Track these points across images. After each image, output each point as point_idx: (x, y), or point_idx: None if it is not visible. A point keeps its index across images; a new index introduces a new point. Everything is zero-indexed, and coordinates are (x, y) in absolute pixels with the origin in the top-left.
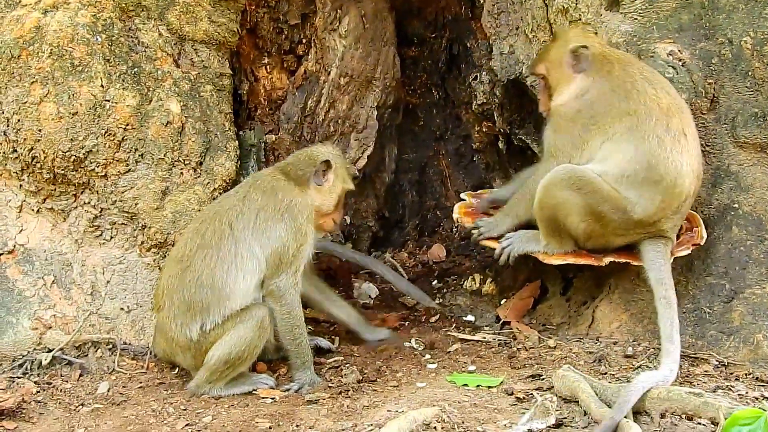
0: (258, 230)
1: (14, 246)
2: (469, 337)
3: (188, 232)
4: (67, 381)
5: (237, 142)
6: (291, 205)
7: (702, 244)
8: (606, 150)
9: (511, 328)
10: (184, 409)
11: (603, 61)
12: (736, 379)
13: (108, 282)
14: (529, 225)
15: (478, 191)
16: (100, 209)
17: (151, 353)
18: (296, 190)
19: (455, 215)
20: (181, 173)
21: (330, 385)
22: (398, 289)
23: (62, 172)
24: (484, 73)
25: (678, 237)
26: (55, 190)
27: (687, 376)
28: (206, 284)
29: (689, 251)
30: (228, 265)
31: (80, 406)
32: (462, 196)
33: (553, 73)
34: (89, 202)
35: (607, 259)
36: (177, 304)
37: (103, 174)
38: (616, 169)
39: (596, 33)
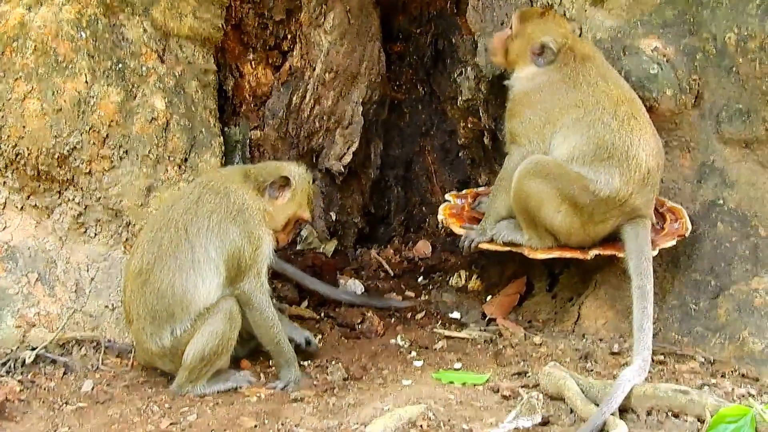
0: (212, 233)
1: None
2: (454, 334)
3: (143, 242)
4: (50, 379)
5: (222, 138)
6: (243, 208)
7: (687, 235)
8: (556, 141)
9: (497, 325)
10: (169, 408)
11: (566, 53)
12: (722, 376)
13: (92, 279)
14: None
15: (463, 191)
16: (84, 206)
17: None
18: (250, 194)
19: (440, 217)
20: (166, 170)
21: (315, 383)
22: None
23: (46, 168)
24: (469, 68)
25: (663, 229)
26: (39, 186)
27: (673, 373)
28: (167, 294)
29: (674, 242)
30: (186, 272)
31: (64, 405)
32: (446, 197)
33: (514, 49)
34: (73, 199)
35: (592, 252)
36: (143, 316)
37: (87, 171)
38: (564, 155)
39: (580, 28)
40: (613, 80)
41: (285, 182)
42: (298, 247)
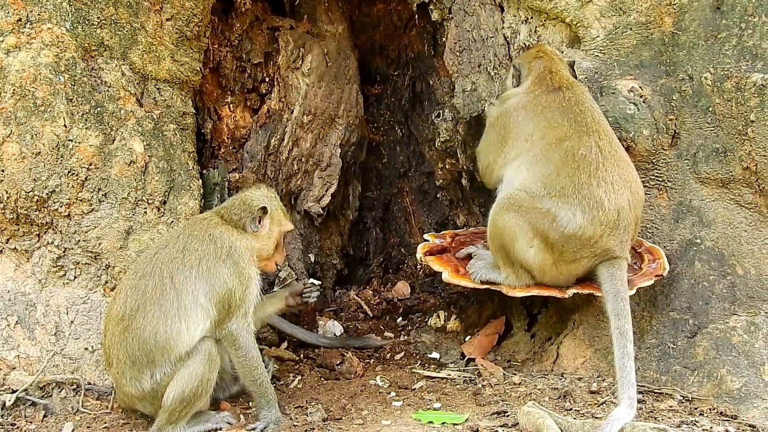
0: (202, 279)
1: None
2: (434, 374)
3: (126, 288)
4: (31, 422)
5: (200, 180)
6: (231, 250)
7: (665, 275)
8: (508, 173)
9: (476, 365)
10: None
11: (539, 81)
12: (700, 414)
13: (72, 322)
14: None
15: (442, 232)
16: (63, 249)
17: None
18: (234, 234)
19: (419, 255)
20: (145, 212)
21: (295, 423)
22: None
23: (25, 212)
24: (446, 110)
25: (640, 268)
26: (19, 230)
27: (652, 412)
28: (149, 341)
29: (652, 281)
30: (171, 319)
31: None
32: (425, 237)
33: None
34: (53, 242)
35: (570, 291)
36: (123, 360)
37: (66, 214)
38: (524, 184)
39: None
40: (583, 116)
41: (263, 212)
42: (276, 289)
